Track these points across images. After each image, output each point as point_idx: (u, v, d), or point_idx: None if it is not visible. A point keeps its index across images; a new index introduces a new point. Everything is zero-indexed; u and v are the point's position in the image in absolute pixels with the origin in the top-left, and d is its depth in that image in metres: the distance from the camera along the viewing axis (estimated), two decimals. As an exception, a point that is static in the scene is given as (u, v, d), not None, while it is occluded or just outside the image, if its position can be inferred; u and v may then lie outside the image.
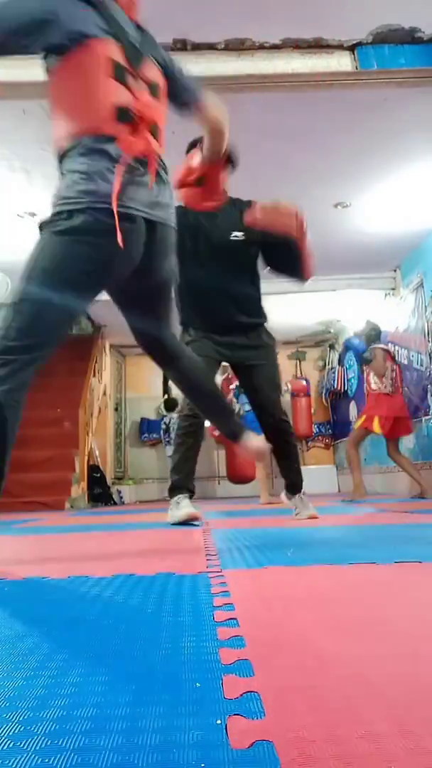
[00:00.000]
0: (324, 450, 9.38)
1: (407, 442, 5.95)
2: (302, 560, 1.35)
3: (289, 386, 8.39)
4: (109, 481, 8.07)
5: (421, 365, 5.60)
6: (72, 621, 0.81)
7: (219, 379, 5.53)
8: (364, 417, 4.78)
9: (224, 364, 2.81)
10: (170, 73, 1.57)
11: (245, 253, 2.67)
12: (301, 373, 9.35)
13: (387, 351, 4.89)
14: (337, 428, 9.07)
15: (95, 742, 0.43)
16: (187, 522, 2.49)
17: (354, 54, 3.09)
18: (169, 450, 7.86)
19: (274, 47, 3.06)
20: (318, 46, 3.07)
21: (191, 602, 0.89)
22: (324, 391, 9.18)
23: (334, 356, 8.93)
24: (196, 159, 2.27)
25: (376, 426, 4.62)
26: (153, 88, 1.47)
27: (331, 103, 3.42)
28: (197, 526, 2.47)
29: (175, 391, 9.51)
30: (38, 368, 1.38)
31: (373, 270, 6.23)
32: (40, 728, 0.46)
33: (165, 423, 8.16)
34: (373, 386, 4.81)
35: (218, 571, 1.16)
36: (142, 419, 9.54)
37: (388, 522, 2.56)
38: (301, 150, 3.95)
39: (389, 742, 0.41)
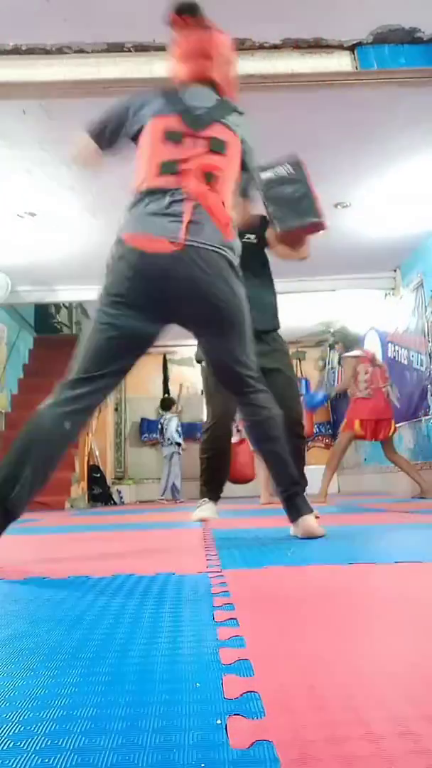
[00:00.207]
0: (324, 450, 9.37)
1: (407, 442, 5.95)
2: (302, 560, 1.35)
3: None
4: (109, 481, 8.08)
5: (421, 365, 5.60)
6: (72, 621, 0.81)
7: None
8: (345, 422, 4.84)
9: None
10: (246, 148, 1.75)
11: (258, 254, 2.69)
12: (301, 373, 9.35)
13: (358, 357, 4.91)
14: (337, 428, 9.05)
15: (95, 742, 0.43)
16: (200, 521, 2.75)
17: (354, 54, 3.08)
18: (165, 451, 7.81)
19: (274, 47, 3.05)
20: (318, 46, 3.06)
21: (191, 602, 0.89)
22: (324, 386, 9.20)
23: (334, 356, 8.93)
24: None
25: (357, 428, 4.68)
26: (214, 143, 1.65)
27: (331, 103, 3.42)
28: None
29: (175, 392, 9.52)
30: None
31: (373, 270, 6.23)
32: (40, 728, 0.46)
33: (161, 423, 8.12)
34: (349, 391, 4.90)
35: (218, 571, 1.16)
36: (142, 419, 9.54)
37: (388, 522, 2.56)
38: (300, 150, 3.90)
39: (389, 742, 0.41)
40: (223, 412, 2.89)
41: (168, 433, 7.76)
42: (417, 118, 3.64)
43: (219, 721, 0.46)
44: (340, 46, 3.08)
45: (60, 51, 2.99)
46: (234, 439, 5.50)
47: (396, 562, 1.22)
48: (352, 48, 3.08)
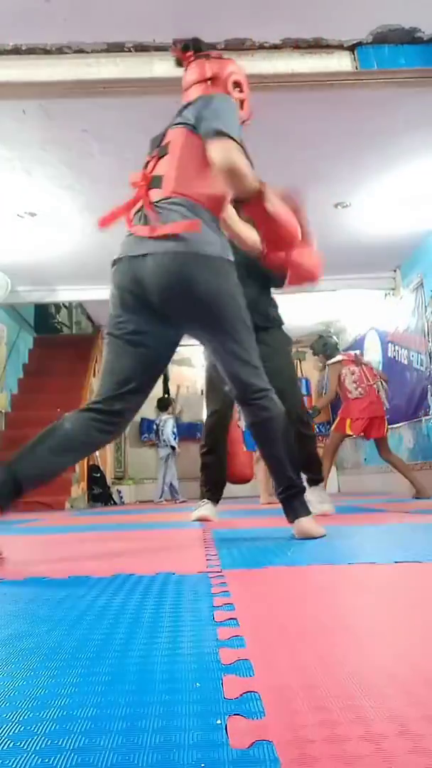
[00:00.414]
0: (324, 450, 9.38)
1: (407, 442, 5.95)
2: (302, 560, 1.35)
3: None
4: (108, 481, 8.07)
5: (421, 365, 5.60)
6: (72, 621, 0.81)
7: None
8: (337, 421, 4.88)
9: None
10: (197, 124, 1.71)
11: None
12: (301, 373, 9.35)
13: (340, 361, 4.92)
14: (337, 428, 9.06)
15: (95, 742, 0.43)
16: (200, 520, 2.78)
17: (354, 54, 3.09)
18: (161, 452, 7.76)
19: (274, 47, 3.05)
20: (318, 46, 3.06)
21: (191, 602, 0.89)
22: (324, 391, 9.17)
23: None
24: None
25: (348, 428, 4.72)
26: (161, 150, 1.74)
27: (331, 103, 3.42)
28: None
29: (174, 392, 9.52)
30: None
31: (373, 270, 6.23)
32: (40, 728, 0.46)
33: (156, 424, 8.06)
34: (340, 395, 4.96)
35: (218, 571, 1.16)
36: (142, 419, 9.53)
37: (388, 522, 2.56)
38: (301, 150, 3.95)
39: (389, 742, 0.41)
40: (221, 408, 2.90)
41: (164, 435, 7.70)
42: (417, 120, 3.64)
43: (219, 721, 0.46)
44: (340, 46, 3.08)
45: (60, 51, 2.99)
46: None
47: (396, 562, 1.22)
48: (352, 48, 3.08)
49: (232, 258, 1.69)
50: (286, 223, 1.72)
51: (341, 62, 3.08)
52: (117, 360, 1.65)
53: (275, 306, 2.98)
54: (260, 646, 0.66)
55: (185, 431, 8.53)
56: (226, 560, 1.34)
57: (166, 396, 8.73)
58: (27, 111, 3.43)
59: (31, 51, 2.99)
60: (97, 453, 7.78)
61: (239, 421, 4.49)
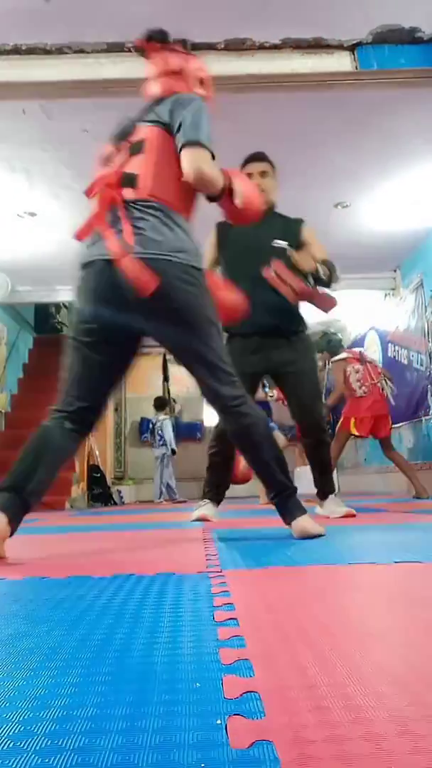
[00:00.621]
0: (324, 450, 9.37)
1: (407, 442, 5.95)
2: (302, 560, 1.35)
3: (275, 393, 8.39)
4: (109, 481, 8.07)
5: (421, 365, 5.60)
6: (72, 621, 0.80)
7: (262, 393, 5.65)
8: (342, 420, 4.85)
9: None
10: (172, 124, 1.71)
11: (285, 260, 2.72)
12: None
13: (345, 359, 4.92)
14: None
15: (95, 742, 0.43)
16: (200, 520, 2.76)
17: (354, 54, 3.09)
18: (157, 451, 7.73)
19: (274, 47, 3.06)
20: (318, 46, 3.07)
21: (191, 602, 0.89)
22: (324, 391, 9.17)
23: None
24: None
25: (352, 427, 4.70)
26: (134, 147, 1.71)
27: (331, 103, 3.42)
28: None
29: (174, 392, 9.52)
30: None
31: (373, 270, 6.23)
32: (40, 728, 0.46)
33: (152, 424, 8.02)
34: (345, 394, 4.92)
35: (218, 571, 1.16)
36: (142, 419, 9.54)
37: (388, 522, 2.56)
38: (301, 150, 3.95)
39: (389, 742, 0.41)
40: None
41: (166, 437, 7.66)
42: (417, 119, 3.64)
43: (219, 721, 0.46)
44: (340, 46, 3.08)
45: (60, 51, 3.00)
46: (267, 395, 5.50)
47: (396, 562, 1.22)
48: (352, 48, 3.08)
49: (202, 266, 1.71)
50: (255, 207, 1.80)
51: (341, 62, 3.08)
52: (81, 366, 1.73)
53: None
54: (260, 646, 0.66)
55: (185, 431, 8.52)
56: (226, 560, 1.34)
57: (161, 396, 8.72)
58: (27, 111, 3.43)
59: (31, 51, 2.99)
60: (97, 453, 7.78)
61: None
